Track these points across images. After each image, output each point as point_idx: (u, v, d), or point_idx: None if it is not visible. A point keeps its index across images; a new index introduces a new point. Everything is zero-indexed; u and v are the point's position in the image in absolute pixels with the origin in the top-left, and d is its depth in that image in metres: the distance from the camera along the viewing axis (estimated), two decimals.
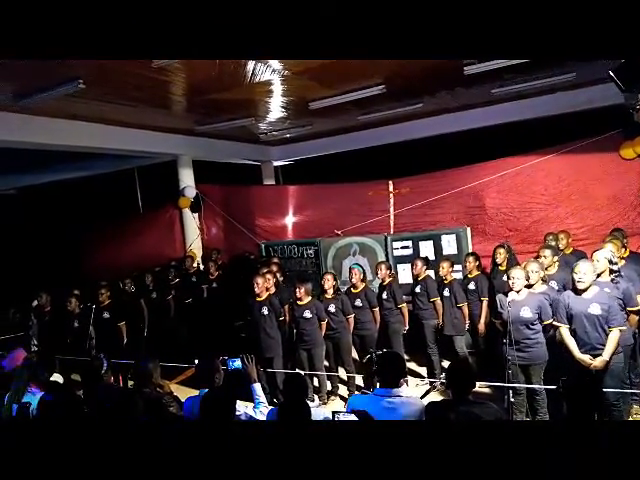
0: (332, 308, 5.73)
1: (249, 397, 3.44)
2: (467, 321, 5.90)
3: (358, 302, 5.87)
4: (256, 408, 3.31)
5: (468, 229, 7.14)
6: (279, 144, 11.45)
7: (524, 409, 4.47)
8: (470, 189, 7.64)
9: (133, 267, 8.57)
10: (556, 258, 5.20)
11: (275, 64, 5.71)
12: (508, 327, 4.26)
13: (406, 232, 7.85)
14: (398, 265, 7.46)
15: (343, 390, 6.03)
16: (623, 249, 5.14)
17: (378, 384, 2.99)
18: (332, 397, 5.96)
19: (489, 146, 8.63)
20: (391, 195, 8.36)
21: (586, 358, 4.01)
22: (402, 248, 7.54)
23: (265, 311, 5.64)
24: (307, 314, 5.59)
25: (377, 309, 5.92)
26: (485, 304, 5.84)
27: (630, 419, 4.38)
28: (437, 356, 6.05)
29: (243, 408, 3.19)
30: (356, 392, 5.65)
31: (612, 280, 4.32)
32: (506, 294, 4.52)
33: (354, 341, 5.96)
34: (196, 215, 9.91)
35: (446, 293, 5.89)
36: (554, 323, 4.35)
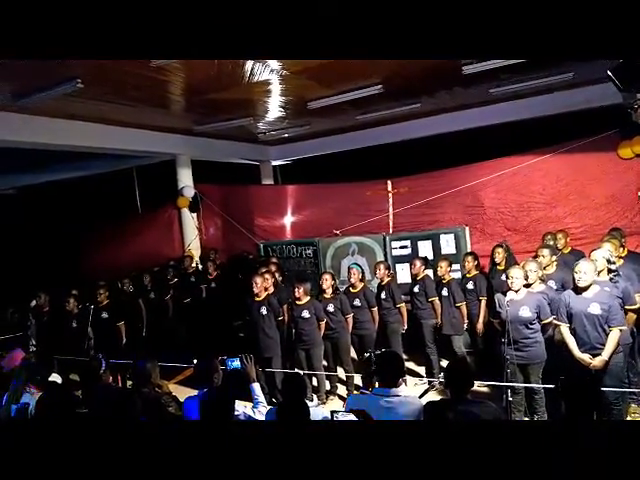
0: (331, 308, 5.73)
1: (248, 397, 3.44)
2: (465, 321, 5.91)
3: (357, 302, 5.87)
4: (255, 408, 3.31)
5: (467, 229, 7.15)
6: (277, 144, 11.45)
7: (522, 408, 4.48)
8: (468, 189, 7.65)
9: (132, 267, 8.56)
10: (554, 258, 5.22)
11: (273, 64, 5.71)
12: (507, 326, 4.26)
13: (405, 232, 7.85)
14: (397, 265, 7.46)
15: (342, 390, 6.04)
16: (621, 248, 5.15)
17: (377, 384, 2.99)
18: (331, 397, 5.96)
19: (487, 146, 8.64)
20: (390, 195, 8.37)
21: (585, 357, 4.01)
22: (401, 248, 7.55)
23: (264, 311, 5.64)
24: (305, 314, 5.59)
25: (376, 309, 5.92)
26: (484, 304, 5.84)
27: (628, 418, 4.39)
28: (436, 356, 6.06)
29: (242, 408, 3.19)
30: (355, 392, 5.66)
31: (611, 279, 4.33)
32: (505, 293, 4.53)
33: (353, 341, 5.96)
34: (195, 215, 9.91)
35: (444, 293, 5.90)
36: (554, 322, 4.35)
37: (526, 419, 4.53)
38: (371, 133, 10.21)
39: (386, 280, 6.09)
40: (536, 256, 5.17)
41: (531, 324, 4.38)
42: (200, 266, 8.81)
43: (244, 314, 6.21)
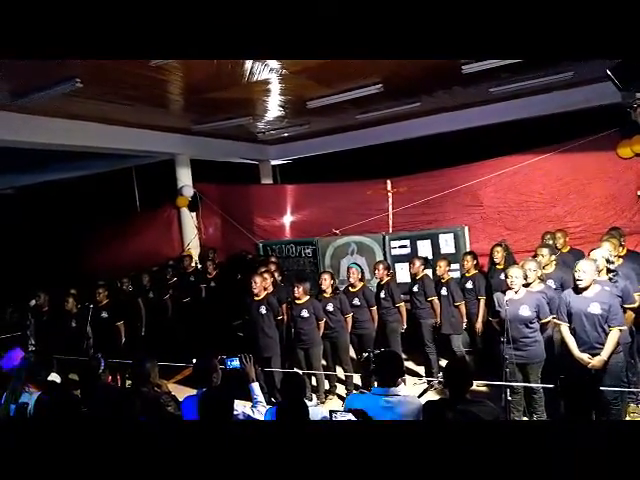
0: (330, 307, 5.73)
1: (247, 396, 3.44)
2: (464, 320, 5.91)
3: (356, 301, 5.88)
4: (254, 407, 3.31)
5: (466, 228, 7.15)
6: (277, 143, 11.45)
7: (521, 408, 4.48)
8: (468, 188, 7.65)
9: (131, 266, 8.55)
10: (553, 257, 5.21)
11: (273, 63, 5.71)
12: (506, 325, 4.26)
13: (404, 231, 7.86)
14: (396, 264, 7.47)
15: (341, 389, 6.04)
16: (620, 248, 5.15)
17: (376, 383, 2.99)
18: (330, 396, 5.96)
19: (487, 145, 8.64)
20: (389, 194, 8.37)
21: (584, 357, 4.01)
22: (400, 247, 7.56)
23: (263, 310, 5.64)
24: (305, 313, 5.60)
25: (375, 308, 5.93)
26: (482, 303, 5.85)
27: (627, 418, 4.39)
28: (435, 355, 6.06)
29: (241, 408, 3.19)
30: (354, 391, 5.66)
31: (610, 279, 4.33)
32: (504, 293, 4.53)
33: (352, 340, 5.97)
34: (194, 214, 9.90)
35: (443, 292, 5.90)
36: (555, 321, 4.35)
37: (525, 419, 4.54)
38: (371, 132, 10.21)
39: (385, 279, 6.09)
40: (535, 255, 5.17)
41: (530, 323, 4.38)
42: (199, 265, 8.81)
43: (243, 314, 6.21)
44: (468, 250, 6.64)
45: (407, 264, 6.69)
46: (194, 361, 3.50)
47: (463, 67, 6.31)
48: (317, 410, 3.04)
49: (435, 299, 5.91)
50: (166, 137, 9.04)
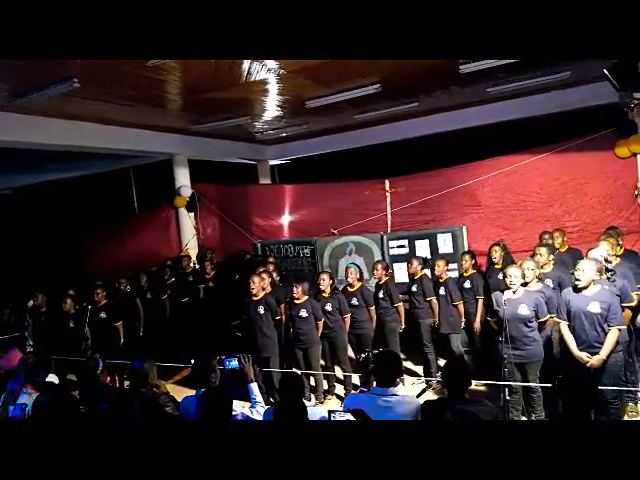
0: (329, 307, 5.74)
1: (246, 397, 3.44)
2: (462, 319, 5.92)
3: (354, 301, 5.88)
4: (253, 408, 3.31)
5: (464, 228, 7.16)
6: (275, 143, 11.44)
7: (520, 407, 4.48)
8: (466, 188, 7.66)
9: (129, 267, 8.54)
10: (552, 256, 5.22)
11: (271, 63, 5.70)
12: (504, 325, 4.27)
13: (402, 231, 7.86)
14: (394, 264, 7.47)
15: (340, 389, 6.04)
16: (618, 247, 5.16)
17: (375, 383, 2.99)
18: (328, 396, 5.97)
19: (484, 145, 8.65)
20: (387, 194, 8.38)
21: (583, 356, 4.02)
22: (398, 247, 7.56)
23: (261, 310, 5.64)
24: (303, 313, 5.60)
25: (373, 308, 5.93)
26: (481, 303, 5.86)
27: (625, 417, 4.40)
28: (433, 355, 6.06)
29: (240, 408, 3.19)
30: (353, 391, 5.66)
31: (608, 278, 4.34)
32: (502, 292, 4.53)
33: (350, 340, 5.97)
34: (192, 214, 9.89)
35: (442, 292, 5.91)
36: (555, 319, 4.36)
37: (524, 418, 4.54)
38: (369, 132, 10.20)
39: (384, 279, 6.10)
40: (533, 255, 5.18)
41: (529, 322, 4.39)
42: (197, 266, 8.80)
43: (242, 314, 6.21)
44: (466, 250, 6.65)
45: (405, 264, 6.69)
46: (192, 361, 3.50)
47: (460, 67, 6.31)
48: (316, 410, 3.04)
49: (434, 299, 5.92)
50: (164, 137, 9.03)
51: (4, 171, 11.15)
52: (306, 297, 5.71)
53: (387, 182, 8.41)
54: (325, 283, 5.84)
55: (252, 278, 5.67)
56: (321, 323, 5.68)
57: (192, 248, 9.71)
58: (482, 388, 5.13)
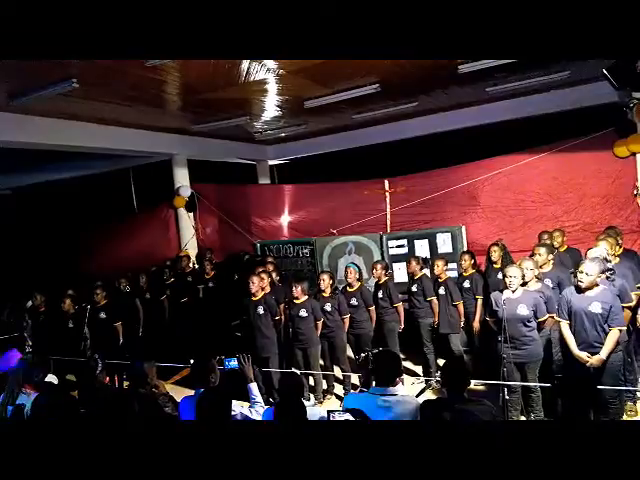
0: (328, 307, 5.74)
1: (246, 397, 3.44)
2: (462, 319, 5.92)
3: (354, 301, 5.88)
4: (252, 408, 3.31)
5: (463, 228, 7.16)
6: (274, 143, 11.44)
7: (519, 407, 4.49)
8: (465, 188, 7.67)
9: (129, 267, 8.54)
10: (551, 256, 5.22)
11: (270, 63, 5.70)
12: (503, 325, 4.27)
13: (402, 231, 7.86)
14: (394, 264, 7.47)
15: (339, 389, 6.04)
16: (617, 247, 5.16)
17: (374, 383, 2.99)
18: (328, 396, 5.97)
19: (484, 145, 8.66)
20: (387, 194, 8.38)
21: (583, 355, 4.01)
22: (397, 247, 7.56)
23: (261, 311, 5.64)
24: (303, 313, 5.60)
25: (373, 308, 5.93)
26: (480, 302, 5.86)
27: (625, 416, 4.40)
28: (433, 354, 6.06)
29: (239, 408, 3.18)
30: (352, 391, 5.66)
31: (607, 278, 4.33)
32: (501, 292, 4.53)
33: (349, 340, 5.97)
34: (191, 214, 9.89)
35: (441, 291, 5.91)
36: (555, 318, 4.35)
37: (523, 418, 4.54)
38: (368, 132, 10.21)
39: (383, 279, 6.10)
40: (532, 254, 5.18)
41: (528, 322, 4.39)
42: (197, 266, 8.80)
43: (241, 314, 6.20)
44: (465, 249, 6.65)
45: (405, 264, 6.69)
46: (192, 362, 3.50)
47: (459, 67, 6.31)
48: (315, 410, 3.04)
49: (434, 299, 5.92)
50: (163, 137, 9.03)
51: (3, 171, 11.14)
52: (306, 297, 5.71)
53: (386, 182, 8.42)
54: (325, 283, 5.84)
55: (251, 278, 5.67)
56: (320, 323, 5.68)
57: (191, 248, 9.71)
58: (481, 388, 5.13)
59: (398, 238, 7.60)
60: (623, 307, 4.33)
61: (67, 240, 10.50)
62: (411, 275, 6.21)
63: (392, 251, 7.57)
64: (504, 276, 4.56)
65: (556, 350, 4.68)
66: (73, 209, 12.10)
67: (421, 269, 6.12)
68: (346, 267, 6.13)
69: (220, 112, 7.97)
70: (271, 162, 12.35)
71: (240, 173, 12.23)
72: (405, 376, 5.80)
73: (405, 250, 7.44)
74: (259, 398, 3.42)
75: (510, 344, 4.28)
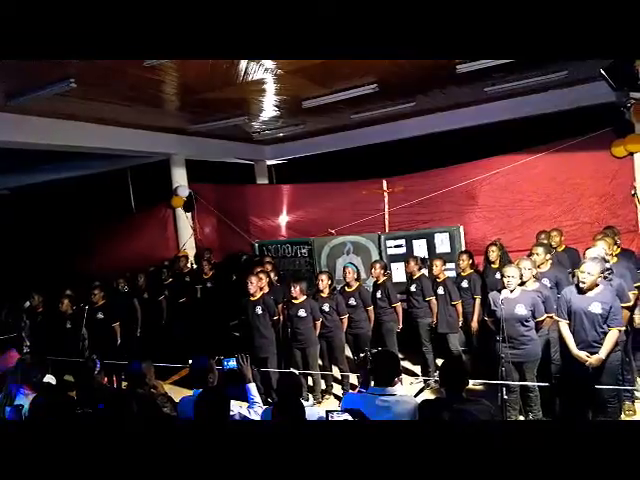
0: (326, 307, 5.74)
1: (245, 397, 3.43)
2: (460, 319, 5.93)
3: (352, 301, 5.88)
4: (250, 408, 3.31)
5: (461, 227, 7.16)
6: (272, 143, 11.44)
7: (517, 406, 4.49)
8: (463, 187, 7.67)
9: (127, 267, 8.53)
10: (548, 256, 5.23)
11: (268, 63, 5.70)
12: (501, 324, 4.27)
13: (400, 231, 7.87)
14: (392, 264, 7.47)
15: (337, 389, 6.04)
16: (615, 246, 5.17)
17: (372, 383, 3.00)
18: (326, 396, 5.97)
19: (482, 144, 8.66)
20: (385, 194, 8.38)
21: (583, 355, 4.01)
22: (396, 247, 7.56)
23: (259, 311, 5.64)
24: (302, 313, 5.59)
25: (371, 308, 5.93)
26: (478, 302, 5.86)
27: (623, 416, 4.41)
28: (432, 354, 6.06)
29: (237, 408, 3.18)
30: (350, 391, 5.66)
31: (605, 277, 4.34)
32: (499, 292, 4.54)
33: (348, 340, 5.97)
34: (189, 214, 9.88)
35: (440, 291, 5.91)
36: (555, 317, 4.36)
37: (521, 417, 4.55)
38: (366, 132, 10.21)
39: (382, 279, 6.10)
40: (530, 254, 5.18)
41: (526, 322, 4.39)
42: (194, 266, 8.80)
43: (239, 314, 6.20)
44: (463, 249, 6.66)
45: (403, 264, 6.69)
46: (190, 362, 3.50)
47: (457, 67, 6.32)
48: (313, 410, 3.05)
49: (433, 299, 5.92)
50: (161, 137, 9.02)
51: (1, 171, 11.13)
52: (304, 297, 5.71)
53: (384, 182, 8.42)
54: (324, 283, 5.84)
55: (250, 278, 5.67)
56: (319, 323, 5.68)
57: (190, 248, 9.70)
58: (480, 387, 5.13)
59: (396, 238, 7.60)
60: (621, 307, 4.35)
61: (65, 240, 10.48)
62: (410, 275, 6.21)
63: (390, 251, 7.56)
64: (502, 276, 4.56)
65: (554, 350, 4.69)
66: (71, 209, 12.08)
67: (419, 269, 6.12)
68: (344, 267, 6.13)
69: (218, 112, 7.97)
70: (269, 162, 12.34)
71: (238, 173, 12.23)
72: (403, 376, 5.81)
73: (403, 250, 7.43)
74: (258, 398, 3.42)
75: (508, 344, 4.28)
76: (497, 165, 7.48)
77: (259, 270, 6.20)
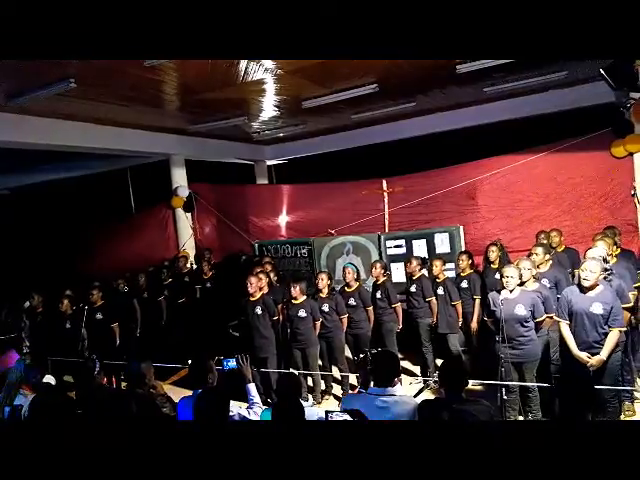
0: (326, 307, 5.73)
1: (245, 397, 3.43)
2: (460, 319, 5.93)
3: (352, 301, 5.88)
4: (250, 409, 3.31)
5: (461, 228, 7.16)
6: (272, 143, 11.43)
7: (517, 407, 4.49)
8: (463, 188, 7.67)
9: (126, 267, 8.53)
10: (548, 256, 5.23)
11: (268, 63, 5.70)
12: (501, 325, 4.27)
13: (400, 231, 7.87)
14: (391, 264, 7.47)
15: (337, 389, 6.04)
16: (614, 247, 5.17)
17: (372, 383, 3.00)
18: (326, 396, 5.96)
19: (482, 144, 8.66)
20: (385, 194, 8.37)
21: (583, 356, 4.01)
22: (395, 247, 7.55)
23: (258, 311, 5.63)
24: (302, 313, 5.59)
25: (371, 308, 5.93)
26: (478, 302, 5.86)
27: (622, 416, 4.41)
28: (431, 354, 6.06)
29: (237, 409, 3.18)
30: (350, 391, 5.66)
31: (605, 278, 4.34)
32: (499, 292, 4.54)
33: (348, 340, 5.97)
34: (189, 215, 9.88)
35: (440, 292, 5.91)
36: (555, 318, 4.35)
37: (521, 418, 4.55)
38: (366, 132, 10.20)
39: (382, 279, 6.10)
40: (530, 254, 5.18)
41: (525, 322, 4.39)
42: (194, 266, 8.80)
43: (239, 314, 6.20)
44: (463, 250, 6.66)
45: (403, 264, 6.69)
46: (189, 362, 3.50)
47: (457, 67, 6.32)
48: (313, 410, 3.04)
49: (434, 299, 5.92)
50: (161, 137, 9.02)
51: (1, 171, 11.12)
52: (304, 297, 5.71)
53: (384, 182, 8.41)
54: (323, 283, 5.84)
55: (249, 278, 5.67)
56: (318, 323, 5.68)
57: (189, 248, 9.70)
58: (479, 388, 5.14)
59: (396, 238, 7.60)
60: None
61: (65, 240, 10.48)
62: (410, 275, 6.21)
63: (390, 251, 7.56)
64: (501, 276, 4.56)
65: (554, 350, 4.68)
66: (71, 209, 12.08)
67: (420, 269, 6.12)
68: (344, 267, 6.13)
69: (218, 112, 7.97)
70: (269, 162, 12.34)
71: (238, 173, 12.22)
72: (403, 376, 5.80)
73: (403, 250, 7.43)
74: (257, 399, 3.42)
75: (508, 344, 4.28)
76: (497, 165, 7.47)
77: (259, 270, 6.20)
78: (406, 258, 6.50)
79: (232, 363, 3.57)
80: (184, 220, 9.84)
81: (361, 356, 3.28)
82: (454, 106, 8.87)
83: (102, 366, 3.88)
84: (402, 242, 7.49)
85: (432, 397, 5.20)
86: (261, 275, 5.90)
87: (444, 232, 7.22)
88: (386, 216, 8.33)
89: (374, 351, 3.21)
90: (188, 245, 9.75)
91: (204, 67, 5.63)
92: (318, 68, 5.95)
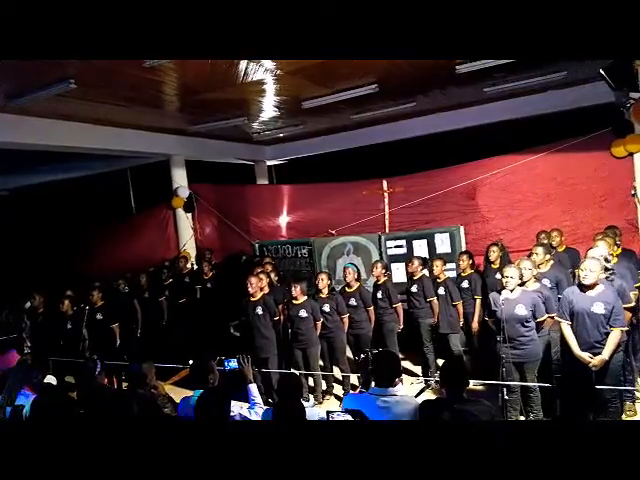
0: (326, 308, 5.73)
1: (246, 398, 3.43)
2: (461, 319, 5.93)
3: (352, 301, 5.88)
4: (251, 409, 3.31)
5: (461, 228, 7.16)
6: (272, 143, 11.43)
7: (518, 407, 4.49)
8: (463, 188, 7.66)
9: (127, 268, 8.53)
10: (548, 256, 5.22)
11: (268, 63, 5.70)
12: (502, 325, 4.27)
13: (400, 231, 7.86)
14: (392, 264, 7.47)
15: (338, 389, 6.04)
16: (615, 247, 5.16)
17: (373, 383, 2.99)
18: (327, 396, 5.96)
19: (482, 145, 8.66)
20: (385, 194, 8.37)
21: (585, 356, 4.00)
22: (396, 247, 7.55)
23: (259, 311, 5.63)
24: (303, 313, 5.59)
25: (372, 308, 5.93)
26: (478, 302, 5.86)
27: (624, 416, 4.41)
28: (432, 355, 6.06)
29: (238, 409, 3.18)
30: (351, 391, 5.66)
31: (607, 278, 4.33)
32: (499, 292, 4.54)
33: (349, 340, 5.97)
34: (189, 215, 9.88)
35: (441, 292, 5.91)
36: (556, 318, 4.35)
37: (522, 418, 4.55)
38: (366, 132, 10.21)
39: (382, 279, 6.10)
40: (530, 254, 5.18)
41: (526, 322, 4.39)
42: (195, 266, 8.80)
43: (239, 314, 6.20)
44: (464, 250, 6.65)
45: (403, 264, 6.69)
46: (190, 362, 3.50)
47: (457, 67, 6.32)
48: (314, 410, 3.04)
49: (435, 299, 5.92)
50: (161, 138, 9.02)
51: (0, 172, 11.12)
52: (305, 297, 5.70)
53: (385, 182, 8.41)
54: (323, 283, 5.83)
55: (250, 279, 5.66)
56: (319, 323, 5.68)
57: (190, 249, 9.70)
58: (480, 388, 5.13)
59: (397, 238, 7.60)
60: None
61: (65, 241, 10.48)
62: (410, 275, 6.21)
63: (390, 251, 7.56)
64: (502, 276, 4.56)
65: (555, 350, 4.68)
66: (71, 210, 12.08)
67: (422, 269, 6.12)
68: (344, 267, 6.13)
69: (218, 112, 7.97)
70: (269, 162, 12.34)
71: (238, 174, 12.22)
72: (404, 376, 5.80)
73: (404, 250, 7.43)
74: (259, 399, 3.42)
75: (509, 344, 4.28)
76: (497, 165, 7.47)
77: (259, 271, 6.20)
78: (408, 258, 6.50)
79: (233, 363, 3.57)
80: (184, 220, 9.84)
81: (362, 356, 3.27)
82: (454, 106, 8.87)
83: (103, 366, 3.89)
84: (403, 242, 7.49)
85: (433, 397, 5.20)
86: (262, 275, 5.90)
87: (445, 232, 7.22)
88: (386, 216, 8.33)
89: (375, 351, 3.21)
90: (189, 245, 9.75)
91: (204, 67, 5.63)
92: (318, 68, 5.95)
